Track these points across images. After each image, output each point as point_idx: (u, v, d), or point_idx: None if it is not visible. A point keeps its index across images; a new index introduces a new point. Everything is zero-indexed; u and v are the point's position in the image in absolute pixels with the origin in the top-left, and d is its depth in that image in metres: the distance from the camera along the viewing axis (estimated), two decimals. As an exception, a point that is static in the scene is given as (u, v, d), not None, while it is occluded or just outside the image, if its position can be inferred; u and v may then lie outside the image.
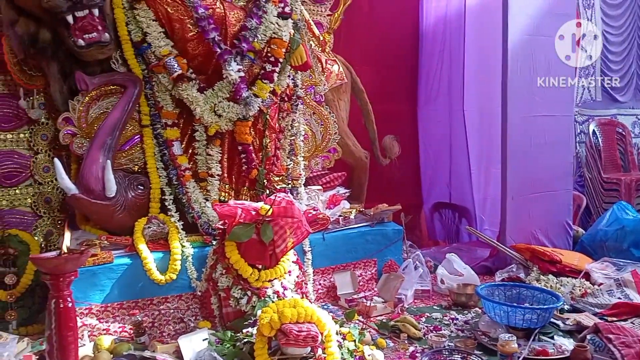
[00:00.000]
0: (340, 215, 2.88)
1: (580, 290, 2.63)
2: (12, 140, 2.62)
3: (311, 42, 3.06)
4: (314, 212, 2.69)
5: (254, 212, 2.18)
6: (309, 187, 2.97)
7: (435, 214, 4.09)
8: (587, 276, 2.77)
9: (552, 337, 2.14)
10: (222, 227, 2.23)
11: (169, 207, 2.43)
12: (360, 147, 3.38)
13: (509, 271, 2.93)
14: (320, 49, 3.11)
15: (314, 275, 2.60)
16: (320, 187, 3.04)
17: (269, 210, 2.16)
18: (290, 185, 2.81)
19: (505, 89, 3.13)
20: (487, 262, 3.18)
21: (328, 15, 3.40)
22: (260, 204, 2.23)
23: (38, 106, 2.55)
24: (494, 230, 3.49)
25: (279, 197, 2.25)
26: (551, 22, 3.25)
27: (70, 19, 2.13)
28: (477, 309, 2.52)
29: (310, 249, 2.59)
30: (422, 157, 4.17)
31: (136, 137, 2.44)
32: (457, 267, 2.77)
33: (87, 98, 2.30)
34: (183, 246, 2.33)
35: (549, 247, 3.14)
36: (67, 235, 1.74)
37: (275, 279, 2.22)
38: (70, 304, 1.66)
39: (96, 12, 2.17)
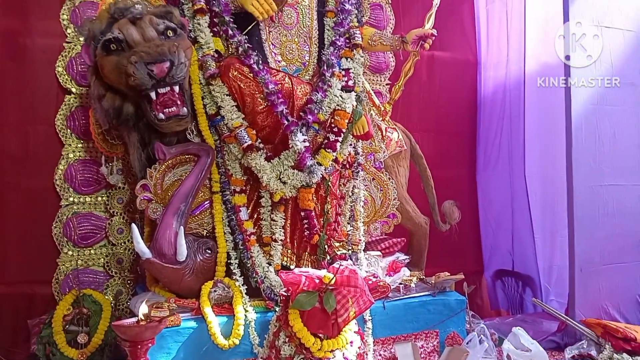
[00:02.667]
0: (400, 283, 2.84)
1: (659, 371, 2.48)
2: (91, 203, 2.82)
3: (372, 111, 3.15)
4: (374, 280, 2.68)
5: (317, 281, 2.20)
6: (368, 252, 2.96)
7: (497, 282, 3.97)
8: (666, 356, 2.61)
9: None
10: (286, 294, 2.26)
11: (234, 270, 2.49)
12: (420, 212, 3.36)
13: (580, 348, 2.78)
14: (380, 117, 3.19)
15: (374, 345, 2.56)
16: (379, 253, 3.03)
17: (332, 279, 2.18)
18: (350, 251, 2.83)
19: (570, 158, 3.08)
20: (555, 336, 3.02)
21: (387, 84, 3.51)
22: (323, 272, 2.25)
23: (116, 172, 2.74)
24: (561, 301, 3.35)
25: (343, 265, 2.27)
26: (616, 91, 3.21)
27: (153, 95, 2.29)
28: (546, 388, 2.41)
29: (370, 317, 2.56)
30: (482, 222, 4.09)
31: (206, 203, 2.54)
32: (524, 341, 2.65)
33: (163, 166, 2.44)
34: (246, 311, 2.37)
35: (622, 323, 2.97)
36: (144, 303, 1.82)
37: (337, 349, 2.20)
38: (146, 370, 1.71)
39: (177, 88, 2.33)
